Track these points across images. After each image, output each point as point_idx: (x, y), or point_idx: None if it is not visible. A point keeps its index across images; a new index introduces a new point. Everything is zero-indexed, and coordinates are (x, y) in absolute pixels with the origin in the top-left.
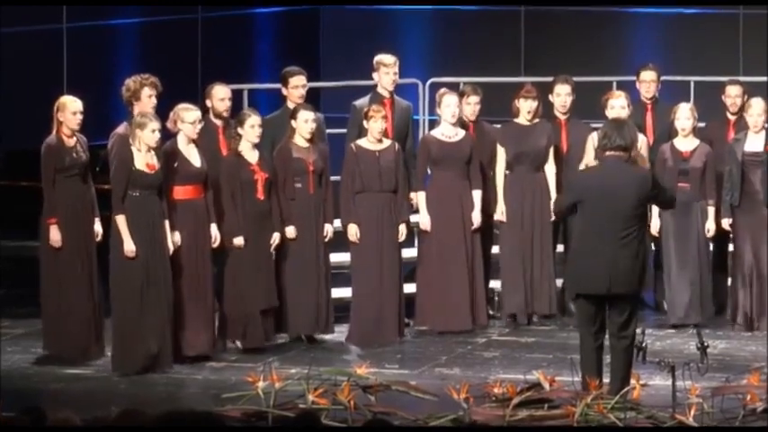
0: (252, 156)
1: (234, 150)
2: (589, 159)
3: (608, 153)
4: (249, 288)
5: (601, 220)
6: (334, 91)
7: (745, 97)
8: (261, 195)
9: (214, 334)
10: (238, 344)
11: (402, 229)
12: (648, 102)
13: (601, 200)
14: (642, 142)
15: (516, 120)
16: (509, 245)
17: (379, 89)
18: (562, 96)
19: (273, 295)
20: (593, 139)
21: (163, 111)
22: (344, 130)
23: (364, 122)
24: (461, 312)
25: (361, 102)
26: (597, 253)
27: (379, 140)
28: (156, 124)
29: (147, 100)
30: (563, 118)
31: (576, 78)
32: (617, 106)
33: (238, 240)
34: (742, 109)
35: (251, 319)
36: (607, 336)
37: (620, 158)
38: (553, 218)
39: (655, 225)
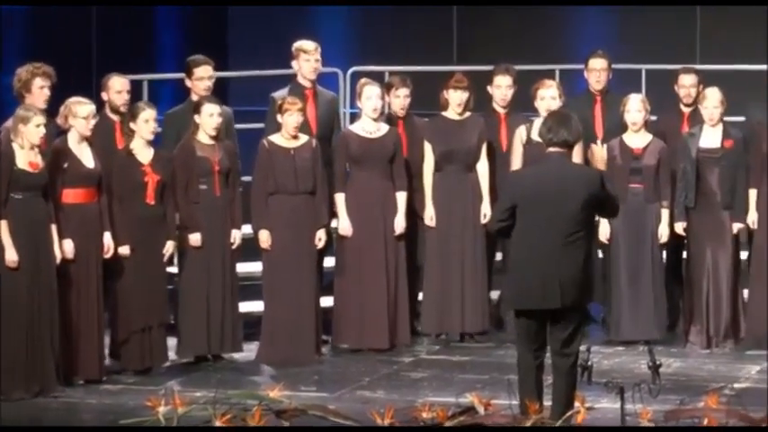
0: (145, 155)
1: (125, 148)
2: (518, 156)
3: (550, 149)
4: (137, 303)
5: (542, 225)
6: (243, 82)
7: (701, 87)
8: (151, 200)
9: (104, 354)
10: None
11: (320, 234)
12: (598, 93)
13: (542, 202)
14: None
15: (444, 113)
16: (434, 253)
17: (300, 79)
18: (502, 89)
19: (165, 310)
20: (520, 134)
21: (53, 105)
22: (254, 125)
23: (278, 116)
24: (378, 329)
25: (280, 93)
26: (539, 263)
27: (295, 137)
28: (40, 118)
29: (38, 92)
30: (503, 112)
31: (514, 67)
32: (547, 97)
33: (123, 249)
34: (697, 100)
35: (140, 338)
36: (548, 354)
37: (563, 155)
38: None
39: (604, 231)
